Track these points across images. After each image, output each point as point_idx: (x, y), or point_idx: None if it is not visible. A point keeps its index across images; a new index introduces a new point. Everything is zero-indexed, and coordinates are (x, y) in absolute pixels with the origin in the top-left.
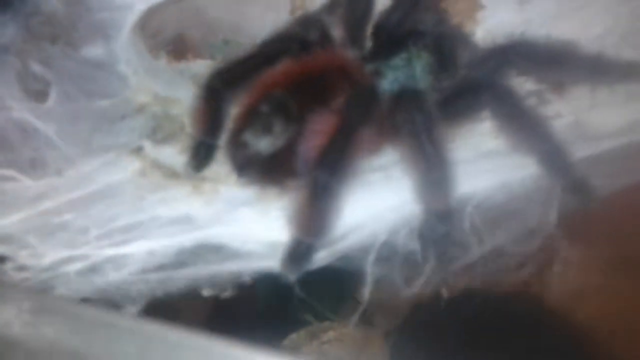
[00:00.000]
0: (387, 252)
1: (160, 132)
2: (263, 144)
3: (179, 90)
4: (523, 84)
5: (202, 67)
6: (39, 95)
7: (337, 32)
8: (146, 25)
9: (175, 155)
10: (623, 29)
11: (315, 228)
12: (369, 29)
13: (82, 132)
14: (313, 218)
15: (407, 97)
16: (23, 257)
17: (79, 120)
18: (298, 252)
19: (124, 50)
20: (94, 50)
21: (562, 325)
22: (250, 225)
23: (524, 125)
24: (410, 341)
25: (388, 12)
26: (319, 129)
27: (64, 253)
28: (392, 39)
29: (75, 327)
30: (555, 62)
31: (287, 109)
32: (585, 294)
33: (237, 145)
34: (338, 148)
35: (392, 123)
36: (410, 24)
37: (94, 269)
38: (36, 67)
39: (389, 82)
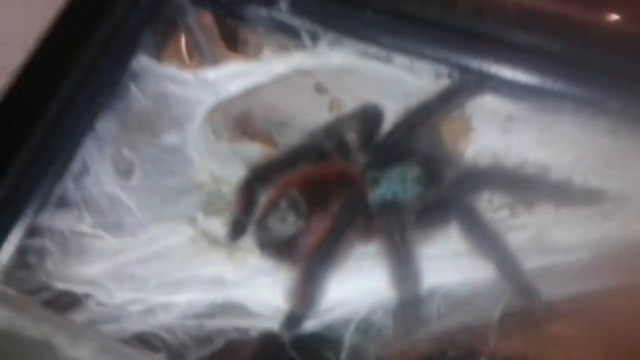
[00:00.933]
0: (365, 326)
1: (211, 207)
2: (279, 230)
3: (231, 171)
4: (499, 197)
5: (254, 149)
6: (126, 173)
7: (351, 138)
8: (215, 112)
9: (220, 226)
10: (590, 160)
11: (305, 303)
12: (378, 140)
13: (154, 204)
14: (304, 295)
15: (388, 206)
16: (102, 295)
17: (153, 193)
18: (292, 318)
19: (193, 136)
20: (171, 138)
21: None
22: (265, 291)
23: (482, 237)
24: None
25: (391, 130)
26: (318, 226)
27: (131, 296)
28: (391, 153)
29: None
30: (523, 186)
31: (298, 206)
32: None
33: (261, 228)
34: (327, 246)
35: (377, 224)
36: (407, 142)
37: (149, 311)
38: (126, 152)
39: (383, 188)
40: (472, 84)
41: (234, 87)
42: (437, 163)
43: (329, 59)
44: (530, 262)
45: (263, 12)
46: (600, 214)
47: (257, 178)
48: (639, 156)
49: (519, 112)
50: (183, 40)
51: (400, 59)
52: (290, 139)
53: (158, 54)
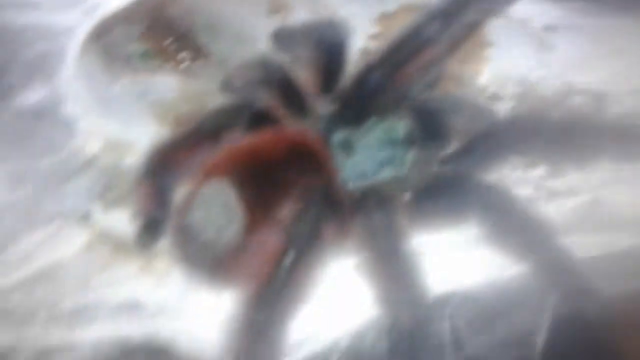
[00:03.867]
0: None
1: (110, 193)
2: (206, 241)
3: (135, 127)
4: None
5: (172, 83)
6: None
7: (303, 75)
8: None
9: (126, 222)
10: None
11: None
12: (345, 81)
13: (23, 201)
14: (253, 351)
15: (369, 193)
16: None
17: (19, 186)
18: None
19: (69, 84)
20: (32, 96)
21: None
22: (201, 320)
23: (516, 235)
24: None
25: (368, 67)
26: (263, 245)
27: (12, 337)
28: (367, 101)
29: None
30: (570, 139)
31: (230, 207)
32: None
33: (181, 235)
34: (279, 284)
35: (355, 222)
36: (389, 83)
37: (41, 356)
38: None
39: (359, 160)
40: None
41: None
42: (436, 111)
43: None
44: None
45: None
46: None
47: (162, 161)
48: None
49: (561, 19)
50: None
51: None
52: (227, 48)
53: None
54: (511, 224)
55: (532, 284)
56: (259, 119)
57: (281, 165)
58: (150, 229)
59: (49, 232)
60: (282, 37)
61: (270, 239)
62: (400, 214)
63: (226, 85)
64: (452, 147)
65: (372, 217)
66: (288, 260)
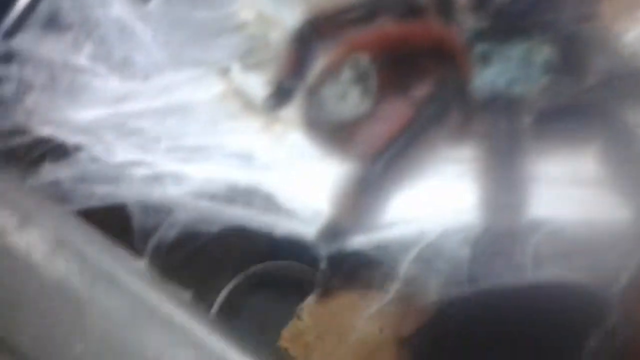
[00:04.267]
0: (431, 254)
1: (252, 57)
2: (336, 108)
3: (287, 11)
4: None
5: None
6: None
7: None
8: None
9: (260, 85)
10: None
11: (353, 218)
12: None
13: (177, 41)
14: (354, 209)
15: (498, 99)
16: (98, 150)
17: (177, 28)
18: (333, 232)
19: None
20: None
21: None
22: (304, 183)
23: (631, 178)
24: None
25: None
26: (391, 115)
27: (135, 156)
28: (515, 20)
29: (83, 269)
30: None
31: (367, 79)
32: None
33: (312, 100)
34: (399, 148)
35: (478, 123)
36: (542, 9)
37: (156, 178)
38: None
39: (495, 71)
40: None
41: None
42: (581, 45)
43: None
44: None
45: None
46: None
47: (316, 29)
48: None
49: None
50: None
51: None
52: None
53: None
54: (629, 167)
55: (629, 231)
56: (413, 13)
57: (423, 55)
58: (281, 95)
59: (191, 75)
60: None
61: (398, 110)
62: (524, 127)
63: None
64: (587, 83)
65: (496, 121)
66: (412, 131)
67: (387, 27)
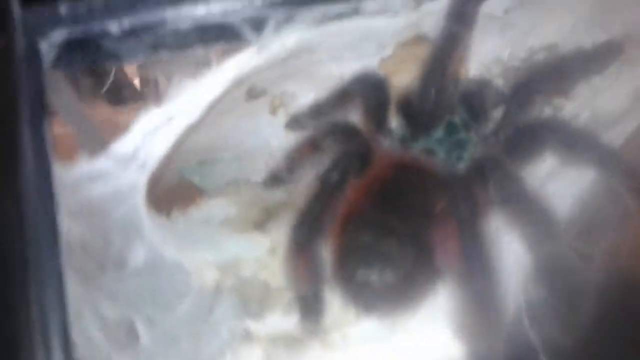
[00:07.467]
0: None
1: (253, 305)
2: (384, 276)
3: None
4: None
5: (214, 208)
6: None
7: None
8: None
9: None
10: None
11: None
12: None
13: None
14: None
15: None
16: None
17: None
18: None
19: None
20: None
21: None
22: None
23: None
24: None
25: (421, 88)
26: (446, 234)
27: None
28: (430, 112)
29: None
30: (554, 79)
31: (388, 230)
32: None
33: (347, 282)
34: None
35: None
36: (442, 93)
37: None
38: None
39: (444, 156)
40: None
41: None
42: (475, 98)
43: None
44: None
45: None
46: None
47: (310, 229)
48: None
49: None
50: None
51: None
52: (220, 174)
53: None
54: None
55: None
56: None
57: (398, 182)
58: (312, 305)
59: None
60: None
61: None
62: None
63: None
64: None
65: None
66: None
67: (354, 183)
